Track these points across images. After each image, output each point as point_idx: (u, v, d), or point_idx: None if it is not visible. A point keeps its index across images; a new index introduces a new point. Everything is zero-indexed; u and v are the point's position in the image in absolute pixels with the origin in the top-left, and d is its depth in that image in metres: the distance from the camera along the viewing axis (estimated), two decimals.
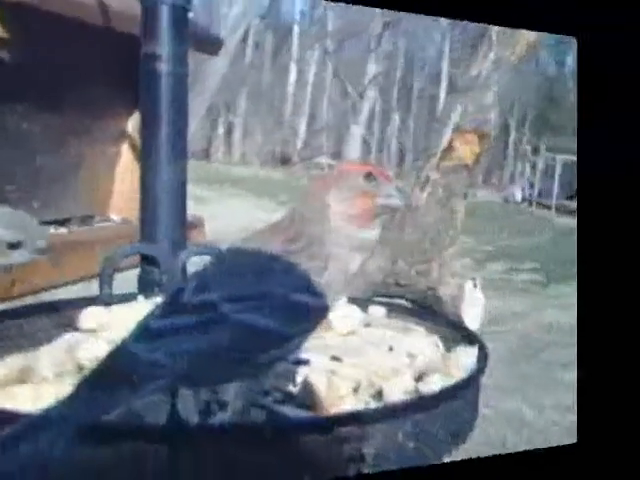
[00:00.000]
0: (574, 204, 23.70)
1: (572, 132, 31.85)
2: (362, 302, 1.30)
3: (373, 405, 0.94)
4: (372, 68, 29.07)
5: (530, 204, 25.19)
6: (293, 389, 0.93)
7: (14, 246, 1.08)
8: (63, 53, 1.64)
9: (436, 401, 0.93)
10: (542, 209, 23.32)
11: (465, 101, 2.00)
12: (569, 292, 9.24)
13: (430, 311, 1.76)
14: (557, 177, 24.62)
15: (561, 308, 8.41)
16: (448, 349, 1.18)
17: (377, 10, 28.79)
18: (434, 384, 1.02)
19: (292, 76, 31.29)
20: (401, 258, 1.92)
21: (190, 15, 1.34)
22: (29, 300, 1.09)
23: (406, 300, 1.89)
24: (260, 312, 0.73)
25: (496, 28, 1.91)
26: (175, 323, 0.72)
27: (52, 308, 1.06)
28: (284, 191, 18.99)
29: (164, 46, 1.23)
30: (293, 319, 0.76)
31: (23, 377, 0.85)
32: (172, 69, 1.25)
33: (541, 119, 35.75)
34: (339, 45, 30.23)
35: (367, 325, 1.21)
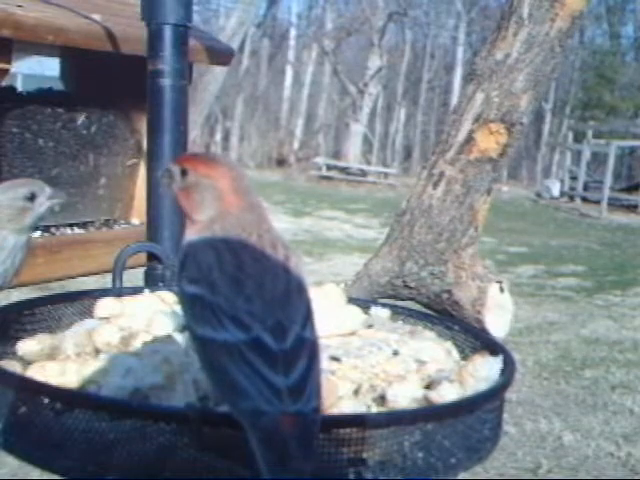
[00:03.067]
0: (633, 197, 21.77)
1: (632, 113, 28.79)
2: (363, 303, 1.28)
3: (375, 409, 0.92)
4: (375, 63, 28.61)
5: (571, 199, 22.86)
6: None
7: (30, 198, 1.19)
8: (77, 78, 1.80)
9: (449, 412, 0.90)
10: (588, 204, 21.18)
11: (488, 88, 1.76)
12: (619, 301, 8.44)
13: (442, 315, 1.65)
14: (610, 167, 21.65)
15: (612, 319, 7.61)
16: (464, 357, 1.14)
17: (380, 3, 28.70)
18: (447, 393, 0.97)
19: (288, 79, 31.25)
20: (410, 259, 1.78)
21: (202, 29, 1.45)
22: (56, 290, 1.20)
23: (417, 303, 1.78)
24: (311, 327, 0.78)
25: (528, 3, 1.73)
26: (300, 370, 0.74)
27: (74, 297, 1.21)
28: (280, 191, 19.04)
29: (167, 62, 1.36)
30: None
31: (51, 354, 0.97)
32: (174, 82, 1.39)
33: (587, 100, 32.17)
34: (338, 43, 29.95)
35: (369, 327, 1.18)
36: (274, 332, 0.74)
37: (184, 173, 0.85)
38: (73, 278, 1.78)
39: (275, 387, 0.71)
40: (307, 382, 0.73)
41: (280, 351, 0.73)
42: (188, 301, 0.78)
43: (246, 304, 0.75)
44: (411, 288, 1.80)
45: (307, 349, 0.75)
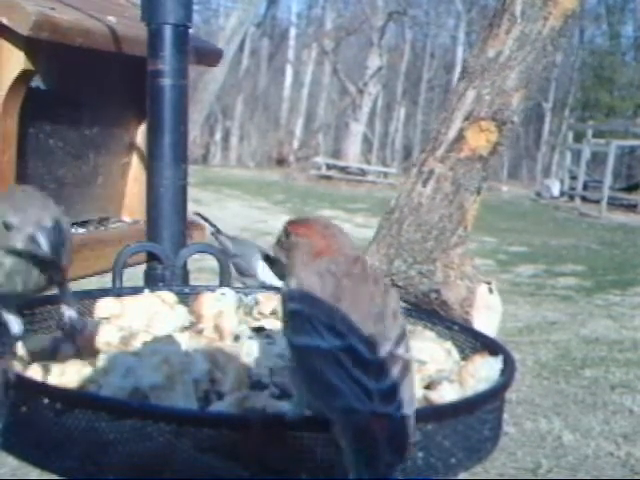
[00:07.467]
0: (632, 197, 21.88)
1: (631, 113, 28.92)
2: None
3: None
4: (374, 62, 28.57)
5: (571, 198, 22.81)
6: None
7: (7, 227, 0.96)
8: (81, 78, 1.81)
9: (449, 412, 0.90)
10: (588, 204, 21.12)
11: (480, 85, 1.74)
12: (619, 300, 8.45)
13: (439, 315, 1.65)
14: (609, 166, 21.63)
15: (611, 319, 7.58)
16: (464, 357, 1.14)
17: (380, 2, 28.70)
18: (446, 394, 0.98)
19: (288, 79, 31.22)
20: (399, 258, 1.76)
21: (190, 31, 1.45)
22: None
23: (405, 302, 1.76)
24: (404, 347, 0.81)
25: (521, 1, 1.72)
26: (392, 379, 0.77)
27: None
28: (279, 191, 19.05)
29: (167, 62, 1.36)
30: None
31: (52, 354, 0.97)
32: (174, 82, 1.38)
33: (586, 100, 32.23)
34: (338, 43, 29.93)
35: None
36: (367, 344, 0.78)
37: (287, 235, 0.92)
38: (83, 278, 1.78)
39: (366, 388, 0.74)
40: (398, 391, 0.76)
41: (373, 359, 0.77)
42: (289, 316, 0.83)
43: (342, 317, 0.79)
44: (399, 287, 1.78)
45: (399, 364, 0.78)
